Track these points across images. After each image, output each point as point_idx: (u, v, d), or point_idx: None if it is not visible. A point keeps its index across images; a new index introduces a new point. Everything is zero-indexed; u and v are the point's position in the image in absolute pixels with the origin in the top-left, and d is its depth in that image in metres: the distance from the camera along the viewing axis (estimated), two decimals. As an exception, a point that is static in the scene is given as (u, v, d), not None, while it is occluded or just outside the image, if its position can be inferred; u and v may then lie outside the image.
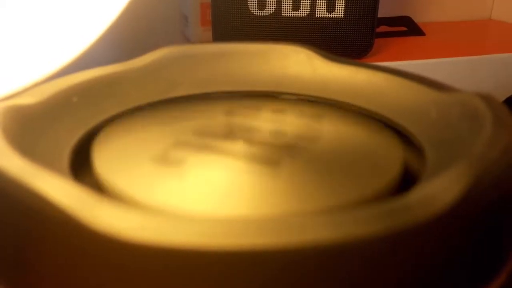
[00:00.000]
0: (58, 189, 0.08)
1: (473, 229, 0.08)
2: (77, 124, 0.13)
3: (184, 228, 0.07)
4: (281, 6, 0.33)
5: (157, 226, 0.07)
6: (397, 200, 0.08)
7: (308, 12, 0.33)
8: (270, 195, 0.10)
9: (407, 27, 0.41)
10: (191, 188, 0.10)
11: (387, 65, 0.35)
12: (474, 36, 0.41)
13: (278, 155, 0.12)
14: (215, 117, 0.14)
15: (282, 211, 0.10)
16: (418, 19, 0.45)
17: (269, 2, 0.33)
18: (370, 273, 0.07)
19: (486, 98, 0.12)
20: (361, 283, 0.07)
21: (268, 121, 0.14)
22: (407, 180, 0.12)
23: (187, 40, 0.38)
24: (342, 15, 0.34)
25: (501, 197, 0.09)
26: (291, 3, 0.33)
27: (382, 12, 0.37)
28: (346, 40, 0.34)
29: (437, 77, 0.40)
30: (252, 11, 0.33)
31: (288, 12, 0.33)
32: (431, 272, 0.08)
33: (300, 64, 0.16)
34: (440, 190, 0.08)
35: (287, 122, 0.14)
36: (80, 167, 0.12)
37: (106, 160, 0.11)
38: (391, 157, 0.12)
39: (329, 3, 0.33)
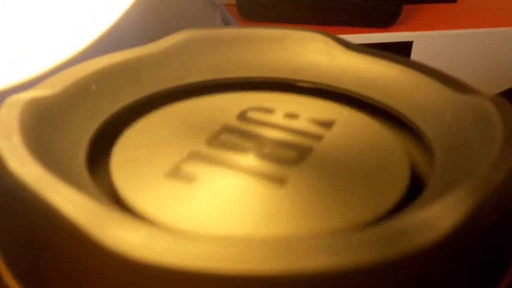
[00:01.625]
0: (70, 202, 0.08)
1: (470, 257, 0.09)
2: (95, 113, 0.14)
3: (190, 250, 0.08)
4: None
5: (165, 246, 0.08)
6: (393, 225, 0.08)
7: (334, -21, 0.32)
8: (275, 213, 0.11)
9: (438, -7, 0.39)
10: (200, 205, 0.11)
11: (415, 35, 0.34)
12: (510, 5, 0.39)
13: (286, 169, 0.12)
14: (227, 121, 0.14)
15: (284, 232, 0.10)
16: (451, -18, 0.43)
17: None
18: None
19: (500, 105, 0.12)
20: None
21: (280, 125, 0.14)
22: (415, 186, 0.12)
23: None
24: (369, -18, 0.33)
25: (501, 224, 0.09)
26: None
27: (412, -22, 0.36)
28: (372, 8, 0.33)
29: (469, 49, 0.39)
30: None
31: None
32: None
33: (317, 52, 0.16)
34: (438, 216, 0.08)
35: (299, 125, 0.14)
36: (97, 159, 0.13)
37: (123, 173, 0.12)
38: (400, 168, 0.12)
39: (356, -31, 0.32)
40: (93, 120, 0.13)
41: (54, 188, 0.09)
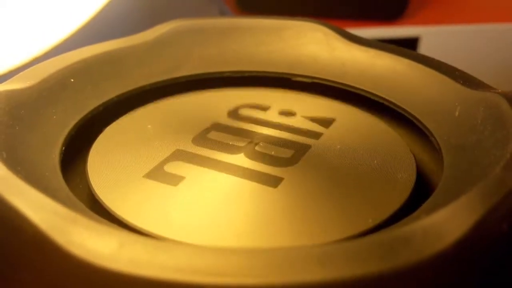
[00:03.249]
0: (33, 205, 0.08)
1: (482, 268, 0.08)
2: (73, 109, 0.13)
3: (160, 259, 0.07)
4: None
5: (137, 256, 0.07)
6: (396, 233, 0.08)
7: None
8: (266, 220, 0.10)
9: (448, -15, 0.39)
10: (184, 211, 0.10)
11: (422, 30, 0.34)
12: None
13: (280, 170, 0.12)
14: (218, 117, 0.14)
15: (274, 241, 0.09)
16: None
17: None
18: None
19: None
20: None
21: (274, 124, 0.14)
22: (422, 189, 0.12)
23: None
24: (374, -28, 0.32)
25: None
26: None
27: (420, -31, 0.36)
28: (377, 1, 0.33)
29: (480, 46, 0.38)
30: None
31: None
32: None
33: (316, 44, 0.16)
34: (446, 223, 0.08)
35: (295, 124, 0.14)
36: (75, 159, 0.12)
37: (101, 175, 0.11)
38: (405, 171, 0.12)
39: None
40: (71, 116, 0.13)
41: (17, 191, 0.08)
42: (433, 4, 0.35)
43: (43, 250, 0.08)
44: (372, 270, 0.07)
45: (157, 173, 0.11)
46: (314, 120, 0.14)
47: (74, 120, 0.13)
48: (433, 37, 0.33)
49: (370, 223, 0.10)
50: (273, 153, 0.12)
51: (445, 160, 0.11)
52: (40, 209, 0.08)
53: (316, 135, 0.13)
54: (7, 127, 0.11)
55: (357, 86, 0.15)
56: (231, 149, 0.12)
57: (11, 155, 0.10)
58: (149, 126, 0.13)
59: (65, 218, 0.08)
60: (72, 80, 0.13)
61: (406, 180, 0.12)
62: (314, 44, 0.16)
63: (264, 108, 0.14)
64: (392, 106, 0.14)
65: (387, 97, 0.14)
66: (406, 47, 0.15)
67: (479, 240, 0.08)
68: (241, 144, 0.13)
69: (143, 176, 0.11)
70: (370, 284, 0.07)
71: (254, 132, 0.13)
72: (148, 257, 0.07)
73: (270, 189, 0.11)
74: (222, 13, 0.32)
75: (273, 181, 0.11)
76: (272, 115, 0.14)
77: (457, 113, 0.12)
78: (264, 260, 0.07)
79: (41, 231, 0.08)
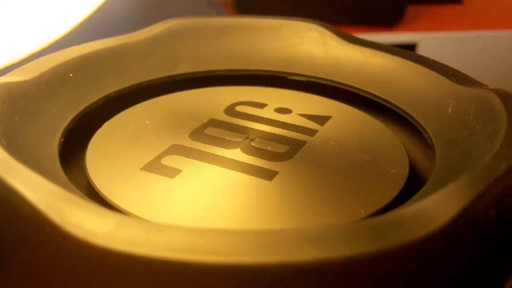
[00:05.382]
0: (32, 186, 0.08)
1: (469, 251, 0.08)
2: (72, 102, 0.13)
3: (155, 238, 0.07)
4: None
5: (133, 235, 0.08)
6: (386, 217, 0.08)
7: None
8: (261, 210, 0.10)
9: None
10: (180, 200, 0.11)
11: (419, 37, 0.34)
12: (518, 6, 0.39)
13: (276, 164, 0.12)
14: (215, 113, 0.14)
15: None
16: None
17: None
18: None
19: (504, 96, 0.12)
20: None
21: (270, 120, 0.14)
22: (415, 181, 0.12)
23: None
24: (372, -20, 0.33)
25: (503, 217, 0.09)
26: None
27: (417, -23, 0.36)
28: (375, 7, 0.33)
29: (475, 52, 0.38)
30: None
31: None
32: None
33: (312, 43, 0.16)
34: (435, 207, 0.08)
35: (290, 120, 0.14)
36: (74, 150, 0.13)
37: (99, 166, 0.12)
38: (398, 165, 0.12)
39: (358, -34, 0.32)
40: (70, 109, 0.13)
41: (16, 173, 0.08)
42: (430, 10, 0.36)
43: (41, 229, 0.08)
44: (362, 251, 0.07)
45: (155, 166, 0.12)
46: (309, 117, 0.14)
47: (73, 113, 0.13)
48: (430, 43, 0.33)
49: (363, 213, 0.10)
50: (268, 148, 0.13)
51: (437, 154, 0.12)
52: (38, 190, 0.08)
53: (311, 132, 0.13)
54: (6, 117, 0.11)
55: (352, 84, 0.15)
56: (228, 144, 0.13)
57: (11, 144, 0.10)
58: (147, 121, 0.14)
59: (63, 199, 0.08)
60: (71, 75, 0.14)
61: (399, 175, 0.12)
62: (310, 43, 0.16)
63: (261, 106, 0.15)
64: (386, 103, 0.14)
65: (381, 95, 0.14)
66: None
67: (468, 224, 0.08)
68: (238, 139, 0.13)
69: (140, 169, 0.12)
70: (360, 264, 0.07)
71: (250, 128, 0.14)
72: (144, 236, 0.07)
73: (265, 182, 0.11)
74: (219, 15, 0.32)
75: (268, 175, 0.12)
76: (268, 112, 0.14)
77: (450, 110, 0.13)
78: (258, 240, 0.07)
79: (40, 211, 0.08)
